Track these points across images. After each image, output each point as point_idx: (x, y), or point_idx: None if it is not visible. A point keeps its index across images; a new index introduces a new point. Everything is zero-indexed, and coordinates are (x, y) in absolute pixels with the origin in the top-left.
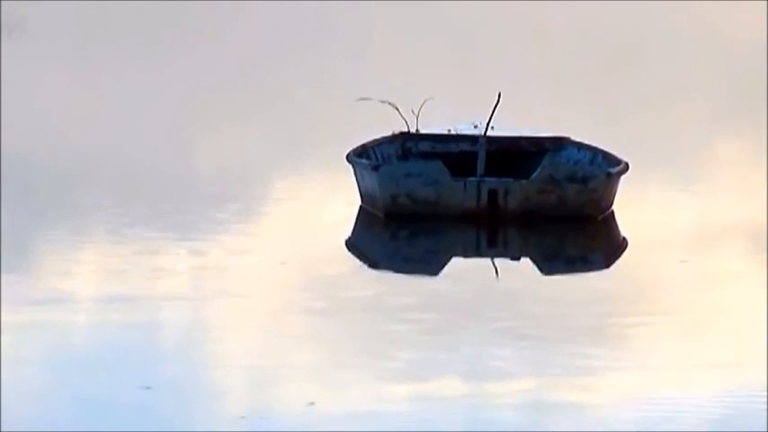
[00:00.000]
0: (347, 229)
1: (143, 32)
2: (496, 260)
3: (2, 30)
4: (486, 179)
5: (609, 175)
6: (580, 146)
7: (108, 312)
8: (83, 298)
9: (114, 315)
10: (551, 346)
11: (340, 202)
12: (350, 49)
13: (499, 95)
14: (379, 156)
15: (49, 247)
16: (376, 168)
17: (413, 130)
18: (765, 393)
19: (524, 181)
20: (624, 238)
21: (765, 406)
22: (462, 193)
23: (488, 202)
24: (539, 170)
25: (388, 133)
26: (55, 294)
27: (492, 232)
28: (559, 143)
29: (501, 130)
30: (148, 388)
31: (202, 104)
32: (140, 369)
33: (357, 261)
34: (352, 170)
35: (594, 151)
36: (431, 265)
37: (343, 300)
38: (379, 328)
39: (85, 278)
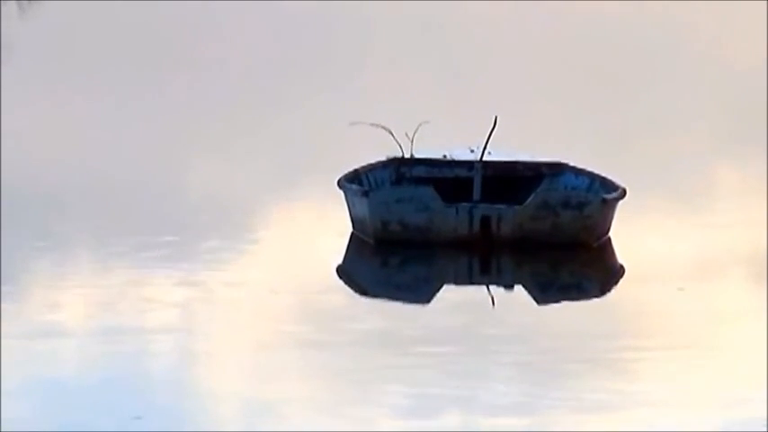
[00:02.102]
0: (339, 257)
1: (131, 57)
2: (489, 288)
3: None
4: (479, 205)
5: (604, 201)
6: (578, 171)
7: (98, 343)
8: (72, 329)
9: (104, 346)
10: (549, 380)
11: (332, 228)
12: (342, 71)
13: (495, 119)
14: (372, 181)
15: (35, 278)
16: (366, 194)
17: (407, 155)
18: (765, 428)
19: (518, 207)
20: (621, 266)
21: None
22: (454, 220)
23: (481, 228)
24: (532, 196)
25: (382, 158)
26: (44, 326)
27: (485, 259)
28: (557, 168)
29: (498, 154)
30: (139, 418)
31: (191, 130)
32: (131, 399)
33: (348, 289)
34: (343, 196)
35: (592, 177)
36: (422, 293)
37: (336, 331)
38: (374, 361)
39: (74, 309)
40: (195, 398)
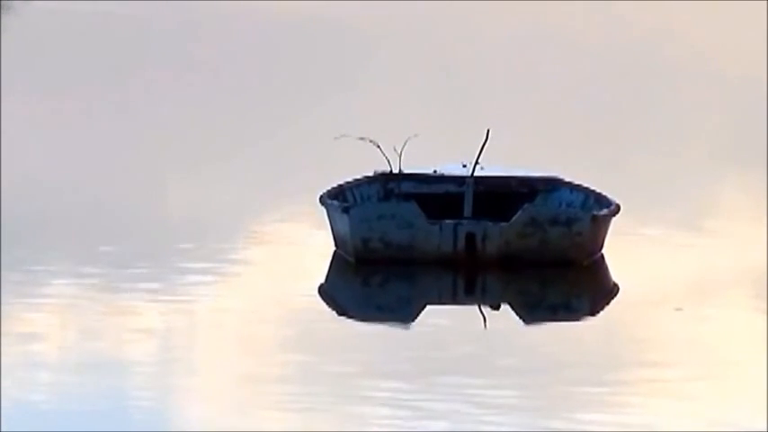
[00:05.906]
0: (321, 276)
1: (107, 73)
2: (474, 308)
3: None
4: (464, 222)
5: (594, 217)
6: (573, 187)
7: (77, 374)
8: (49, 358)
9: (84, 377)
10: (541, 409)
11: (317, 247)
12: (328, 84)
13: (488, 133)
14: (357, 197)
15: (11, 307)
16: (347, 210)
17: (395, 170)
18: None
19: (504, 224)
20: (615, 285)
21: None
22: (438, 237)
23: (466, 246)
24: (519, 212)
25: (369, 174)
26: (19, 356)
27: (470, 278)
28: (552, 184)
29: (491, 170)
30: None
31: (171, 147)
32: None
33: (331, 311)
34: (325, 213)
35: (588, 193)
36: (405, 314)
37: (320, 356)
38: (360, 389)
39: (50, 338)
40: (177, 427)
